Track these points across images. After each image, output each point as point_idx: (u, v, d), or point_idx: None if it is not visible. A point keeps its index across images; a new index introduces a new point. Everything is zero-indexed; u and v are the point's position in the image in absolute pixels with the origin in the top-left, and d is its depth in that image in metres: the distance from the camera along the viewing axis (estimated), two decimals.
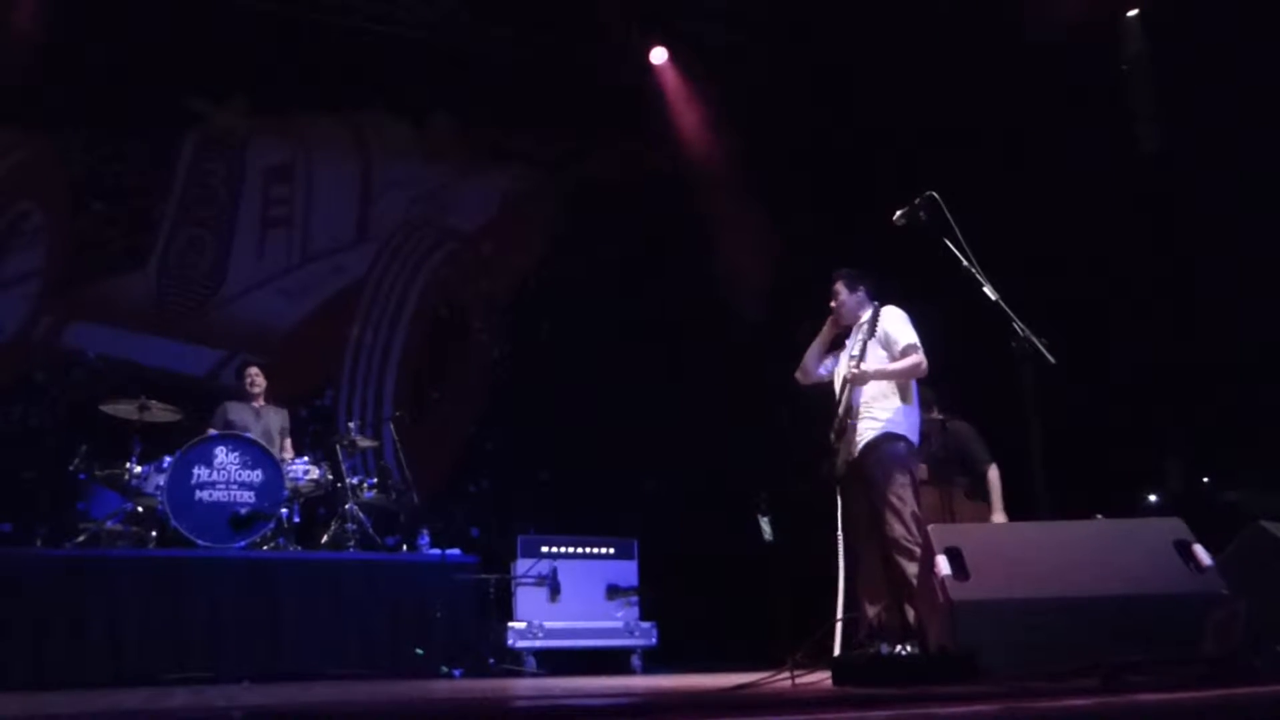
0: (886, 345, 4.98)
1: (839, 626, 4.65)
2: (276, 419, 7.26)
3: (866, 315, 5.09)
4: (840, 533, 4.98)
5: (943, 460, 6.40)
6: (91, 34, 7.79)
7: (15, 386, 7.78)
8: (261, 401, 7.23)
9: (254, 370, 7.30)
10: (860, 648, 4.61)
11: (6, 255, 8.06)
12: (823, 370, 5.28)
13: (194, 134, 8.72)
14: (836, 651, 4.61)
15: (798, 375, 5.36)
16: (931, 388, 6.51)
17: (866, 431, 4.94)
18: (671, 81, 9.22)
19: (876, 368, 4.91)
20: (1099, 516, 4.78)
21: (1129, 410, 7.07)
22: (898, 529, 4.73)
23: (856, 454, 4.91)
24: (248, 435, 6.65)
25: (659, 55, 9.15)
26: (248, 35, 8.30)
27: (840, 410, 4.94)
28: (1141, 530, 4.04)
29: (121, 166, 8.38)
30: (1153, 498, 7.23)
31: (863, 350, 4.95)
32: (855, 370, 4.87)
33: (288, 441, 7.26)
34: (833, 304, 5.22)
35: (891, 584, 4.73)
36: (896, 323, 5.04)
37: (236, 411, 7.07)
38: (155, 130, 8.49)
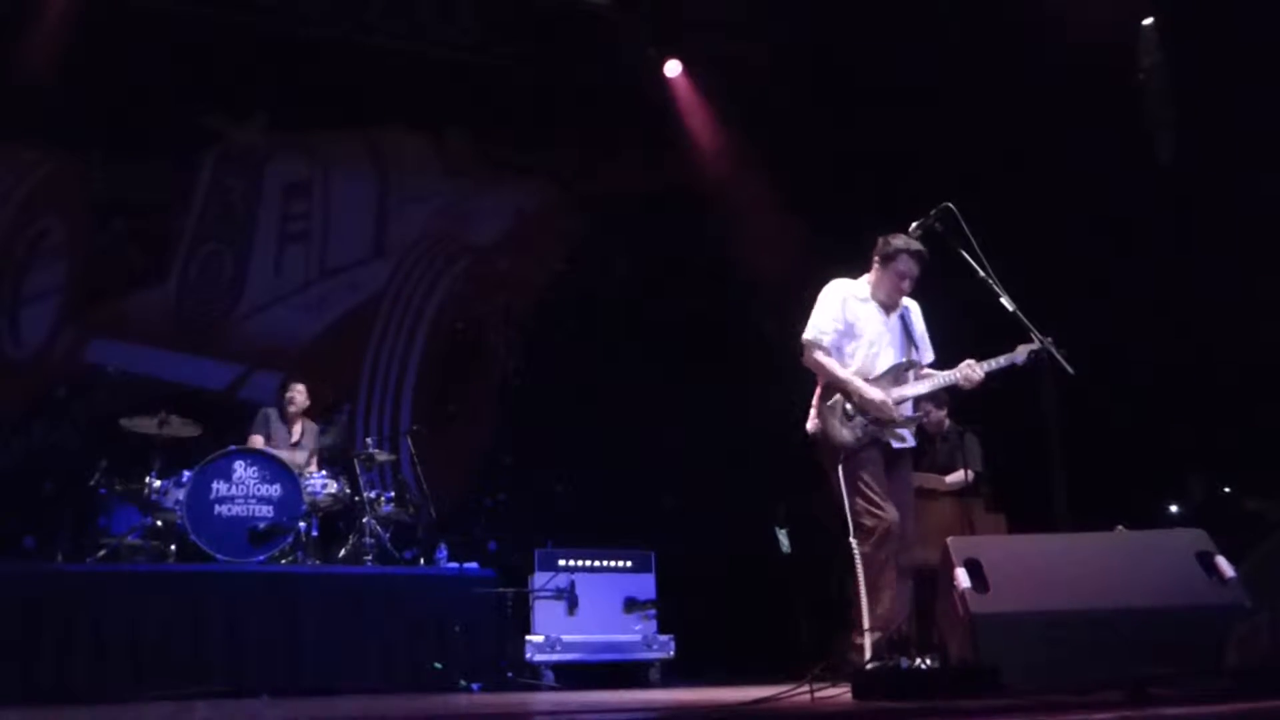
0: (922, 346, 4.86)
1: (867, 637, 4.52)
2: (310, 438, 7.28)
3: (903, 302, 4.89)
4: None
5: (945, 467, 6.40)
6: (112, 53, 7.84)
7: (36, 402, 7.84)
8: (301, 420, 7.25)
9: (299, 388, 7.26)
10: (881, 660, 4.56)
11: (28, 272, 8.13)
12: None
13: (213, 151, 8.77)
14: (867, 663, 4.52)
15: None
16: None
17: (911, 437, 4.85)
18: (686, 93, 9.22)
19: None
20: (1120, 528, 4.74)
21: (1149, 420, 7.02)
22: None
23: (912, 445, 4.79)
24: (267, 450, 6.68)
25: (673, 68, 9.15)
26: (266, 54, 8.37)
27: (920, 393, 4.72)
28: (1163, 541, 4.02)
29: (141, 184, 8.41)
30: (1174, 508, 7.18)
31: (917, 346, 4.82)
32: (976, 380, 4.60)
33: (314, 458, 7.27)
34: (910, 281, 4.75)
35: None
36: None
37: (277, 426, 7.12)
38: (175, 148, 8.54)
